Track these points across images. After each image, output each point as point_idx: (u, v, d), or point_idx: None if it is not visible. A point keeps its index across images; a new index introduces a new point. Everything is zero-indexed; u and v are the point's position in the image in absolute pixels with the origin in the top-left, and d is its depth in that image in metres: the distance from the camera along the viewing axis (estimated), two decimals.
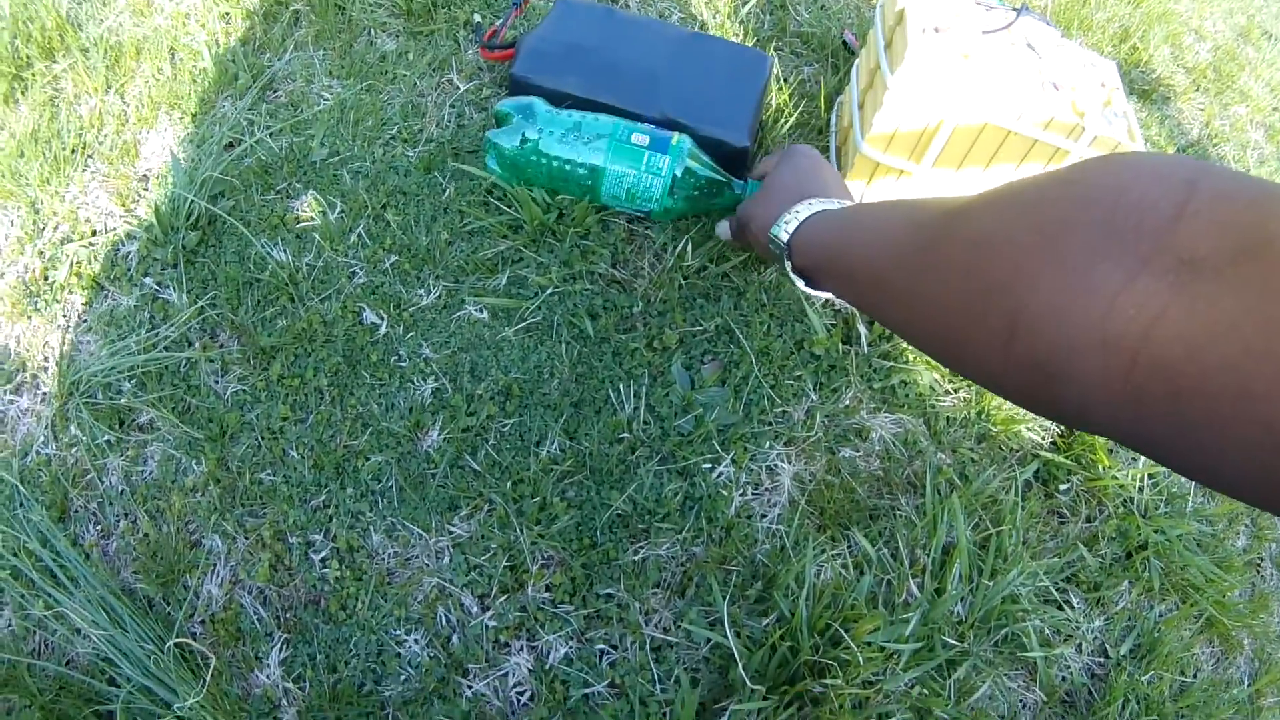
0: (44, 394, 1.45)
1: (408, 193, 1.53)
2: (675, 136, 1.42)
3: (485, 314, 1.43)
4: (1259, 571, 1.65)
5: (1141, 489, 1.53)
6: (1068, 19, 2.38)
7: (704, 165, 1.44)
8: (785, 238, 1.14)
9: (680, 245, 1.48)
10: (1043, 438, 1.53)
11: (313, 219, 1.51)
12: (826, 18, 2.02)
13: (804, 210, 1.14)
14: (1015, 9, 1.55)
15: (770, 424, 1.40)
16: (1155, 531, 1.51)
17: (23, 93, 1.78)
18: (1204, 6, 2.88)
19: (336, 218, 1.51)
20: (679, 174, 1.41)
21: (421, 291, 1.45)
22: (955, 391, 1.51)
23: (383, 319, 1.42)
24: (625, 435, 1.35)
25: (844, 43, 1.95)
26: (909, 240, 0.77)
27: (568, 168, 1.43)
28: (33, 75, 1.80)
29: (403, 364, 1.39)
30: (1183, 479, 1.60)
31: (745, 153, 1.52)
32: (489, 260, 1.46)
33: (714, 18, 1.95)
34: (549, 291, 1.43)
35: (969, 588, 1.36)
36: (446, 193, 1.53)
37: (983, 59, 1.43)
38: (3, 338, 1.51)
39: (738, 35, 1.93)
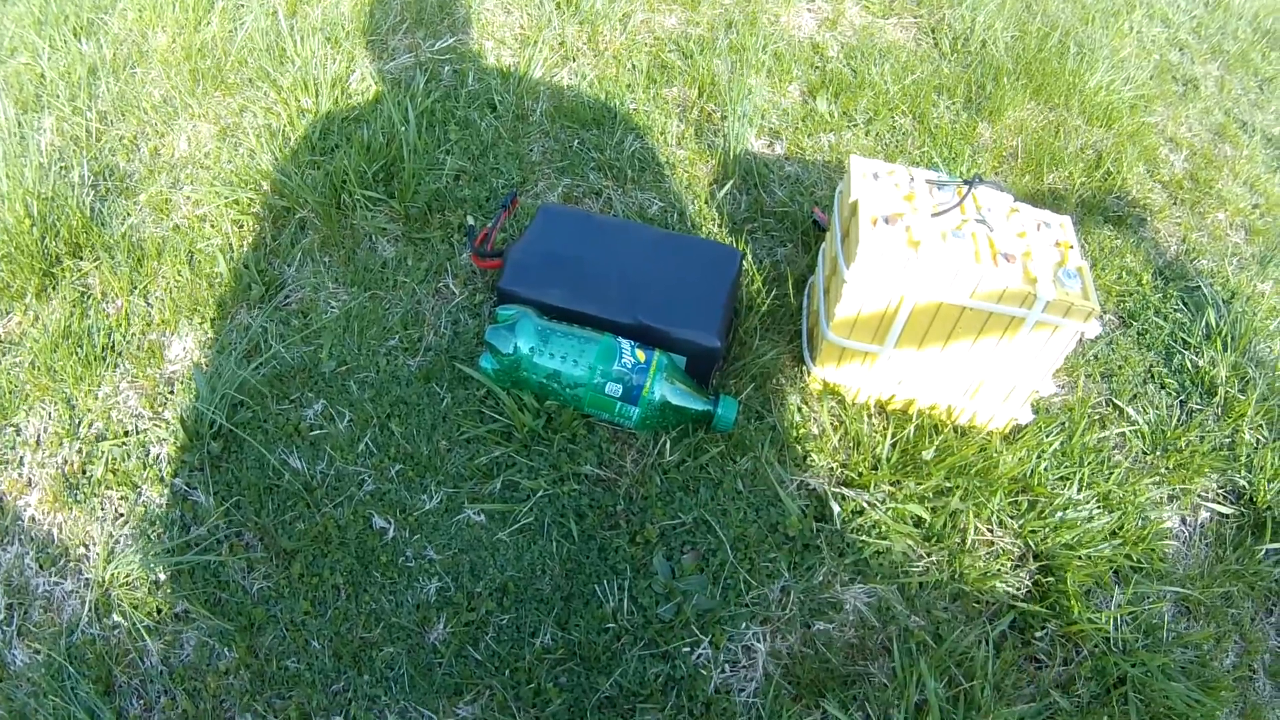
0: (86, 579, 1.61)
1: (409, 403, 1.71)
2: (647, 384, 1.62)
3: (482, 517, 1.60)
4: (1251, 685, 1.68)
5: (1118, 625, 1.64)
6: (1039, 155, 2.54)
7: (678, 392, 1.63)
8: None
9: (660, 443, 1.66)
10: (1017, 589, 1.66)
11: (324, 429, 1.69)
12: (800, 192, 2.21)
13: None
14: (966, 181, 1.71)
15: (747, 605, 1.56)
16: (1133, 665, 1.59)
17: (53, 289, 1.95)
18: (1179, 110, 2.99)
19: (345, 427, 1.69)
20: (647, 414, 1.62)
21: (424, 497, 1.62)
22: (929, 556, 1.66)
23: (390, 523, 1.60)
24: (611, 625, 1.52)
25: (814, 221, 2.14)
26: None
27: (554, 385, 1.62)
28: (62, 271, 1.97)
29: (410, 564, 1.56)
30: (1160, 608, 1.69)
31: (716, 352, 1.70)
32: (484, 466, 1.64)
33: (692, 203, 2.14)
34: (539, 494, 1.61)
35: None
36: (444, 402, 1.71)
37: (934, 243, 1.59)
38: (46, 525, 1.66)
39: (715, 219, 2.11)
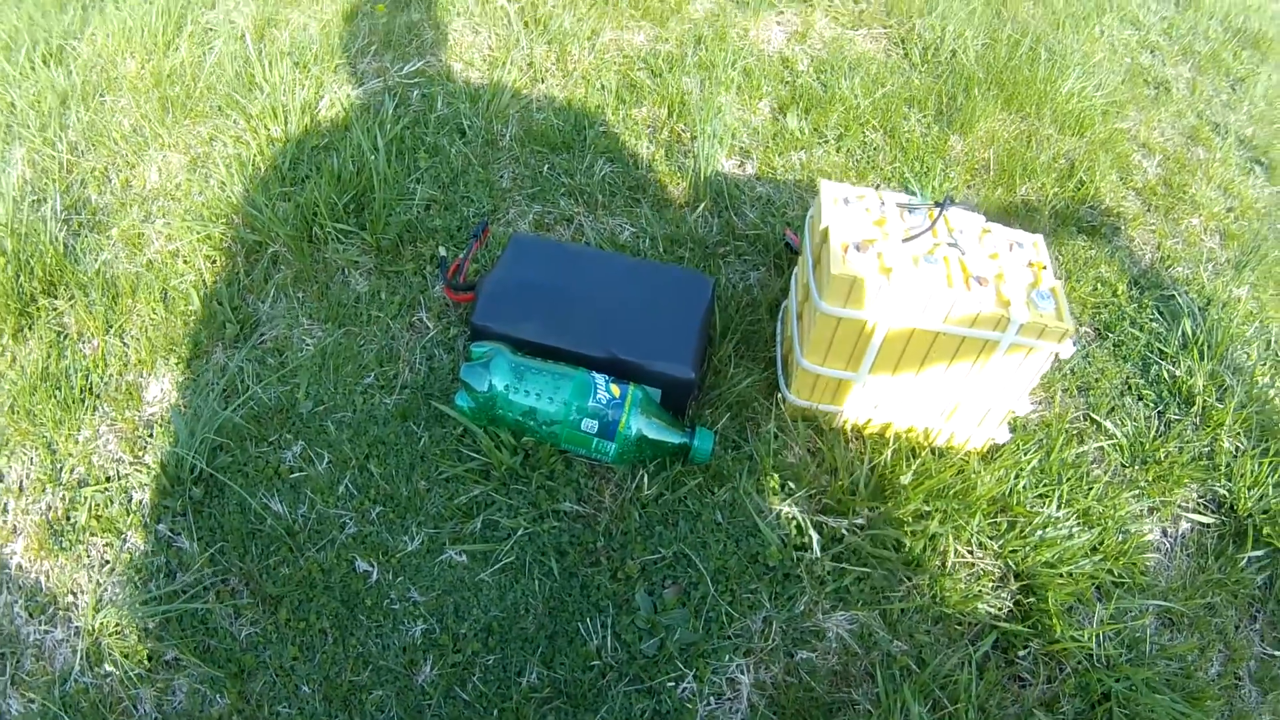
0: (76, 628, 1.60)
1: (387, 443, 1.72)
2: (623, 419, 1.63)
3: (464, 558, 1.61)
4: (1237, 692, 1.68)
5: (1101, 641, 1.65)
6: (1011, 167, 2.54)
7: (654, 426, 1.64)
8: None
9: (638, 477, 1.67)
10: (999, 609, 1.67)
11: (304, 470, 1.69)
12: (771, 214, 2.21)
13: None
14: (938, 203, 1.71)
15: (730, 637, 1.57)
16: (1117, 680, 1.60)
17: (29, 328, 1.94)
18: (1151, 114, 2.99)
19: (325, 468, 1.69)
20: (624, 449, 1.63)
21: (406, 539, 1.63)
22: (910, 580, 1.67)
23: (373, 566, 1.60)
24: (596, 662, 1.53)
25: (787, 243, 2.14)
26: None
27: (530, 422, 1.63)
28: (37, 310, 1.96)
29: (395, 607, 1.57)
30: (1143, 622, 1.70)
31: (691, 383, 1.71)
32: (464, 505, 1.65)
33: (664, 228, 2.13)
34: (519, 533, 1.62)
35: None
36: (422, 441, 1.72)
37: (906, 268, 1.59)
38: (34, 573, 1.65)
39: (687, 244, 2.11)
